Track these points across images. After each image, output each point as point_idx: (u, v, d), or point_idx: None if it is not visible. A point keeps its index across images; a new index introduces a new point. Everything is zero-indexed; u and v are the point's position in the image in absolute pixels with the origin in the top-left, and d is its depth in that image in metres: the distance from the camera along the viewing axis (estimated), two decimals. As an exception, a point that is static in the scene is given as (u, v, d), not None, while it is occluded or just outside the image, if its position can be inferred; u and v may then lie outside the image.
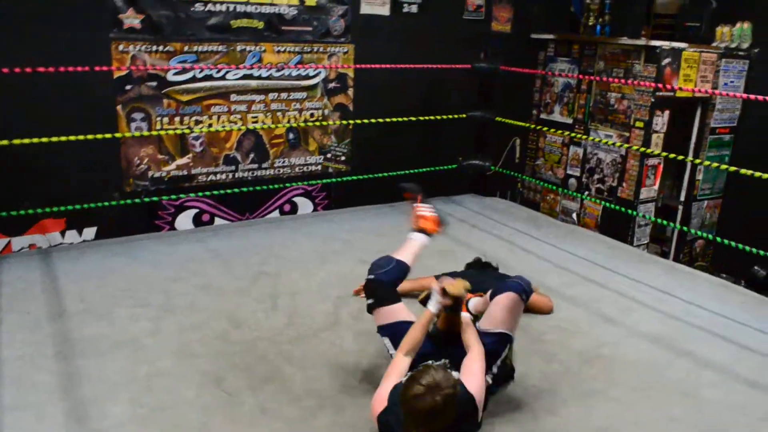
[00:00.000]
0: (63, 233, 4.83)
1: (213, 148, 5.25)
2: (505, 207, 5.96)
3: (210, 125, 5.15)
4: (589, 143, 5.96)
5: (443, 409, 2.27)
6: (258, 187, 5.41)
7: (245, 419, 2.74)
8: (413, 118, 5.71)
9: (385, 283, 2.90)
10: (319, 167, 5.77)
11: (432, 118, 5.80)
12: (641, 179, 5.59)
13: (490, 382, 2.74)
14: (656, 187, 5.71)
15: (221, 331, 3.43)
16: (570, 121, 6.16)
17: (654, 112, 5.40)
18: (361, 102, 5.75)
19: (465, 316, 2.88)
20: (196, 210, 5.32)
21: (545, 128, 6.11)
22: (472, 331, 2.80)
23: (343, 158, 5.85)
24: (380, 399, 2.49)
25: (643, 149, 5.23)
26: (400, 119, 5.63)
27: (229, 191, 5.28)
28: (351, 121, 5.67)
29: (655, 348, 3.44)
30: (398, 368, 2.58)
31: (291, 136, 5.57)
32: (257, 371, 3.09)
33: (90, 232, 4.94)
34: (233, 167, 5.37)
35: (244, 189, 5.36)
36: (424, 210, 3.29)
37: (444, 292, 2.75)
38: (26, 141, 4.25)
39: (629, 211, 5.21)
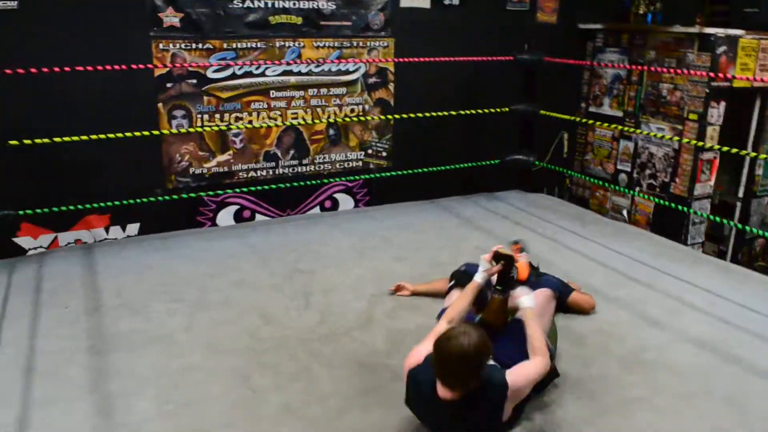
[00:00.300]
0: (107, 229, 4.95)
1: (253, 144, 5.27)
2: (550, 204, 5.77)
3: (250, 122, 5.17)
4: (640, 137, 5.71)
5: (472, 358, 2.26)
6: (298, 183, 5.41)
7: (270, 417, 2.72)
8: (455, 113, 5.59)
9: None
10: (360, 163, 5.72)
11: (474, 112, 5.66)
12: (695, 174, 5.31)
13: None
14: (712, 182, 5.42)
15: (252, 327, 3.42)
16: (620, 114, 5.92)
17: (709, 104, 5.12)
18: (402, 97, 5.67)
19: (526, 306, 2.76)
20: (237, 206, 5.35)
21: (591, 122, 5.88)
22: (535, 326, 2.70)
23: (384, 154, 5.78)
24: (416, 355, 2.53)
25: (696, 143, 4.96)
26: (441, 113, 5.52)
27: (269, 187, 5.30)
28: (392, 116, 5.60)
29: (702, 353, 3.24)
30: (438, 332, 2.52)
31: (331, 132, 5.54)
32: (285, 369, 3.06)
33: (133, 228, 5.03)
34: (273, 163, 5.38)
35: (285, 185, 5.38)
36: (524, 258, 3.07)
37: (495, 255, 2.76)
38: (70, 139, 4.35)
39: (682, 208, 4.96)
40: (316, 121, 5.40)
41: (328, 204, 5.70)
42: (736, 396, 2.88)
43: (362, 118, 5.54)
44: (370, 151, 5.73)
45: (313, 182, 5.48)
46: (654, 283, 4.04)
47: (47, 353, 3.13)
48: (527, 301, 2.83)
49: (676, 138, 5.25)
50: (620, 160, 5.97)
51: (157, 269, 4.12)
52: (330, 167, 5.61)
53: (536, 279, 3.35)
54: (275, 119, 5.26)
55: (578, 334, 3.42)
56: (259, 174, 5.35)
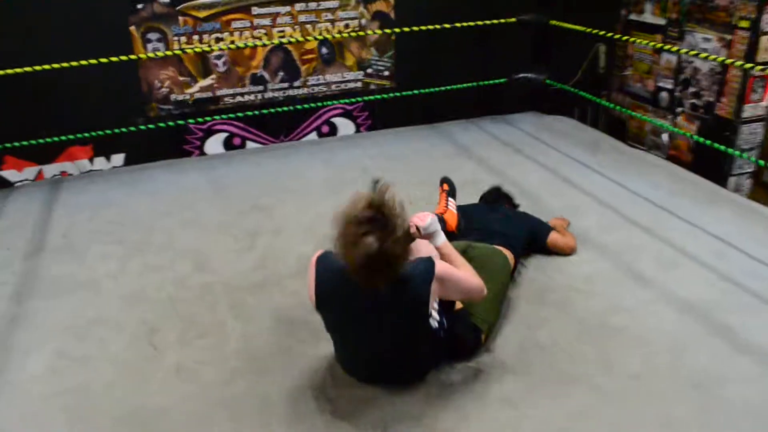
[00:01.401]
0: (92, 160, 4.81)
1: (238, 67, 4.89)
2: (565, 128, 5.09)
3: (232, 42, 4.77)
4: (684, 46, 4.84)
5: (381, 260, 1.99)
6: (287, 108, 5.02)
7: (157, 379, 2.50)
8: (464, 24, 4.93)
9: None
10: (359, 84, 5.24)
11: (484, 23, 4.98)
12: (745, 93, 4.45)
13: (436, 324, 2.31)
14: (765, 103, 4.54)
15: (182, 274, 3.20)
16: (663, 21, 5.03)
17: (763, 9, 4.20)
18: (404, 9, 5.06)
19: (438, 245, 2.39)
20: (226, 134, 5.07)
21: (624, 38, 5.03)
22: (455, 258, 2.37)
23: (385, 73, 5.26)
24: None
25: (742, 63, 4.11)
26: (447, 26, 4.88)
27: (258, 113, 4.96)
28: (393, 31, 5.02)
29: (684, 320, 2.71)
30: None
31: (324, 50, 5.06)
32: (197, 323, 2.83)
33: (119, 159, 4.88)
34: (261, 87, 5.00)
35: (275, 110, 5.01)
36: (452, 206, 2.95)
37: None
38: (41, 67, 4.13)
39: (727, 133, 4.20)
40: (307, 38, 4.93)
41: (325, 129, 5.30)
42: (707, 379, 2.37)
43: (359, 34, 5.00)
44: (369, 71, 5.22)
45: (307, 106, 5.08)
46: (656, 227, 3.44)
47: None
48: (438, 237, 2.39)
49: (718, 59, 4.38)
50: (661, 76, 5.13)
51: (113, 207, 3.95)
52: (325, 89, 5.17)
53: (504, 229, 3.03)
54: (260, 38, 4.84)
55: (541, 287, 2.96)
56: (246, 99, 5.00)
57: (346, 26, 5.00)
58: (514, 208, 3.42)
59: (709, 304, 2.79)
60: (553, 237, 3.20)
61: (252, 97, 5.00)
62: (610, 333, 2.64)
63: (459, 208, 3.08)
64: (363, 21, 5.03)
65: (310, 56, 5.04)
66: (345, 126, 5.34)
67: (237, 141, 5.11)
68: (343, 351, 2.42)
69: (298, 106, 5.04)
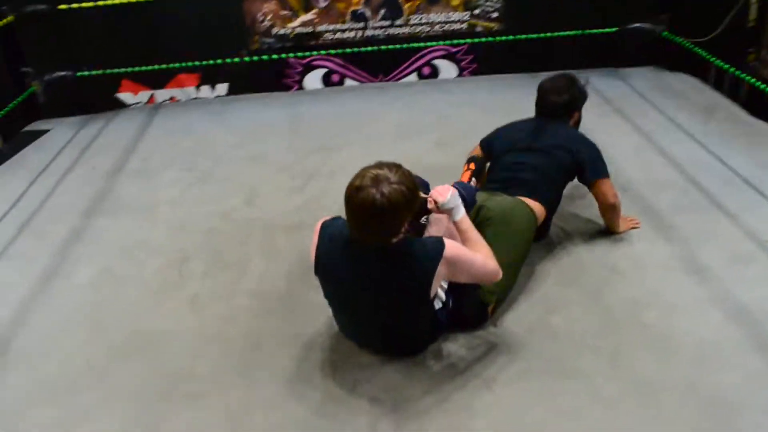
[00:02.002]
0: (198, 88, 5.09)
1: (339, 2, 4.84)
2: (684, 88, 4.44)
3: (334, -24, 4.71)
4: None
5: (385, 213, 1.90)
6: (387, 47, 4.91)
7: (170, 306, 2.66)
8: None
9: None
10: (465, 25, 4.96)
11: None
12: None
13: (440, 305, 2.24)
14: None
15: (231, 207, 3.33)
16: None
17: None
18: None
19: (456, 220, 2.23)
20: (325, 70, 5.09)
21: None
22: (474, 235, 2.22)
23: (494, 15, 4.92)
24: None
25: None
26: None
27: (358, 50, 4.91)
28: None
29: (729, 328, 2.31)
30: None
31: (429, -12, 4.83)
32: (225, 257, 2.94)
33: (223, 88, 5.12)
34: (362, 24, 4.92)
35: (375, 48, 4.93)
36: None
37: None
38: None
39: None
40: (411, -25, 4.73)
41: (426, 71, 5.13)
42: (728, 405, 2.01)
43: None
44: (477, 12, 4.92)
45: (407, 45, 4.93)
46: (744, 214, 2.95)
47: (48, 210, 3.42)
48: (457, 213, 2.23)
49: None
50: (824, 30, 4.27)
51: (195, 135, 4.19)
52: (428, 29, 4.96)
53: (536, 174, 2.71)
54: (362, -27, 4.72)
55: (577, 264, 2.70)
56: (346, 36, 4.96)
57: (454, -38, 4.71)
58: (577, 117, 2.97)
59: (769, 315, 2.36)
60: (605, 186, 2.75)
61: (352, 34, 4.95)
62: (635, 330, 2.34)
63: (497, 129, 2.96)
64: (472, -44, 4.71)
65: (413, -7, 4.84)
66: (447, 69, 5.12)
67: (336, 78, 5.12)
68: (339, 318, 2.38)
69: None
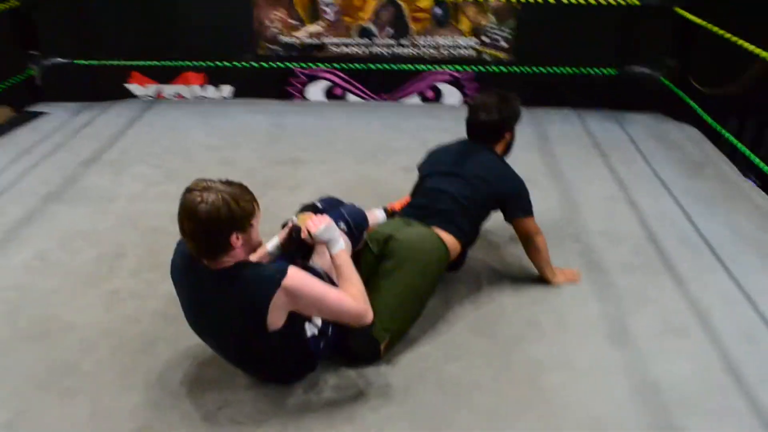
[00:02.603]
0: (203, 87, 5.18)
1: (347, 17, 4.84)
2: (681, 140, 4.22)
3: (343, -10, 4.72)
4: None
5: (204, 223, 1.83)
6: (391, 66, 4.87)
7: (86, 297, 2.68)
8: (595, 2, 4.30)
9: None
10: (472, 52, 4.88)
11: (617, 2, 4.28)
12: None
13: (315, 332, 2.16)
14: None
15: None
16: None
17: None
18: (533, -25, 4.55)
19: (334, 253, 2.17)
20: (329, 83, 5.09)
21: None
22: (350, 271, 2.15)
23: (503, 44, 4.82)
24: None
25: None
26: (584, 1, 4.31)
27: (362, 66, 4.90)
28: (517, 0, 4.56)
29: (626, 410, 2.15)
30: None
31: (438, 11, 4.78)
32: (161, 257, 2.89)
33: (227, 90, 5.19)
34: (368, 40, 4.90)
35: (379, 66, 4.90)
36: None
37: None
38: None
39: None
40: (420, -4, 4.68)
41: (430, 94, 5.06)
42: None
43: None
44: (485, 39, 4.82)
45: (412, 67, 4.88)
46: (694, 281, 2.76)
47: (15, 190, 3.52)
48: (333, 245, 2.17)
49: None
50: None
51: (176, 133, 4.26)
52: (434, 52, 4.90)
53: (453, 204, 2.59)
54: (372, -10, 4.71)
55: (499, 310, 2.59)
56: (351, 50, 4.95)
57: (465, -13, 4.64)
58: (509, 138, 2.74)
59: (679, 392, 2.19)
60: (527, 224, 2.61)
61: (357, 49, 4.93)
62: (529, 393, 2.20)
63: (429, 152, 2.84)
64: (484, -17, 4.63)
65: (422, 15, 4.79)
66: (451, 93, 5.04)
67: (338, 91, 5.11)
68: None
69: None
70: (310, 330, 2.18)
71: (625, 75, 4.48)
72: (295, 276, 1.95)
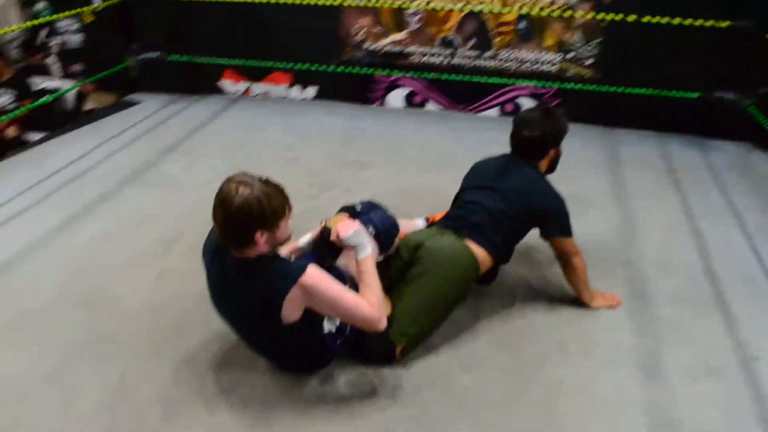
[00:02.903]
0: (290, 87, 5.39)
1: (430, 27, 4.88)
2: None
3: (428, 2, 4.76)
4: None
5: (235, 212, 1.92)
6: (472, 77, 4.85)
7: (136, 272, 2.88)
8: (700, 23, 4.09)
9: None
10: (556, 68, 4.77)
11: (727, 24, 4.04)
12: None
13: (332, 330, 2.24)
14: None
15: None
16: None
17: None
18: (624, -9, 4.39)
19: (359, 258, 2.20)
20: (409, 90, 5.15)
21: None
22: (372, 278, 2.17)
23: (588, 62, 4.68)
24: None
25: None
26: (677, 22, 4.12)
27: (443, 76, 4.92)
28: (605, 16, 4.41)
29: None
30: None
31: (522, 25, 4.71)
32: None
33: (312, 91, 5.37)
34: (450, 51, 4.92)
35: (460, 77, 4.91)
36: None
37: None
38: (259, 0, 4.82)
39: None
40: (505, 10, 4.64)
41: (509, 108, 5.00)
42: None
43: (566, 14, 4.51)
44: (570, 56, 4.70)
45: (493, 80, 4.84)
46: (747, 321, 2.55)
47: (96, 172, 3.84)
48: (360, 251, 2.21)
49: None
50: None
51: (254, 129, 4.48)
52: (517, 66, 4.83)
53: (488, 218, 2.54)
54: (457, 2, 4.72)
55: (527, 327, 2.52)
56: (433, 60, 4.98)
57: (552, 2, 4.55)
58: (553, 155, 2.66)
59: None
60: (565, 244, 2.53)
61: (440, 59, 4.96)
62: (538, 415, 2.13)
63: (474, 165, 2.81)
64: (571, 0, 4.51)
65: (506, 28, 4.75)
66: (530, 109, 4.94)
67: (418, 99, 5.16)
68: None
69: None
70: (328, 326, 2.23)
71: (711, 100, 4.21)
72: (313, 274, 2.01)
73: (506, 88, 4.92)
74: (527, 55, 4.78)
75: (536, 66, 4.78)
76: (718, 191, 3.57)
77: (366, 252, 2.19)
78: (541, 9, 4.55)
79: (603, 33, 4.56)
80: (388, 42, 5.00)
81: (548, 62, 4.75)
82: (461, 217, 2.60)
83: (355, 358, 2.34)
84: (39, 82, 4.67)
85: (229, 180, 2.00)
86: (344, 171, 3.88)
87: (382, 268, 2.46)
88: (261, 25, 5.11)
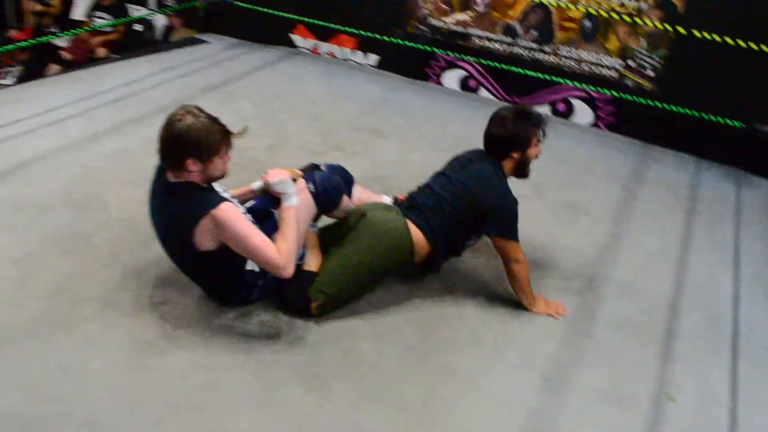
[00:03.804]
0: (354, 52, 5.52)
1: (495, 11, 4.82)
2: None
3: (498, -15, 4.70)
4: None
5: (172, 136, 2.13)
6: (526, 71, 4.76)
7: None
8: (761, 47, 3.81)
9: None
10: (614, 73, 4.58)
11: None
12: None
13: (256, 270, 2.37)
14: None
15: (255, 145, 3.66)
16: None
17: None
18: (700, 5, 4.11)
19: (285, 206, 2.35)
20: (465, 73, 5.13)
21: None
22: (291, 226, 2.31)
23: (650, 73, 4.45)
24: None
25: None
26: (743, 44, 3.86)
27: (499, 65, 4.86)
28: (674, 29, 4.17)
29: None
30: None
31: (587, 23, 4.55)
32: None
33: (373, 59, 5.47)
34: (510, 39, 4.84)
35: (516, 69, 4.82)
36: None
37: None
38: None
39: None
40: (572, 6, 4.49)
41: (561, 107, 4.86)
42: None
43: (633, 19, 4.30)
44: (631, 63, 4.49)
45: (548, 77, 4.72)
46: (690, 369, 2.43)
47: (139, 98, 4.20)
48: (285, 200, 2.34)
49: None
50: None
51: (294, 84, 4.74)
52: (574, 65, 4.68)
53: (435, 200, 2.61)
54: (525, -10, 4.63)
55: (455, 315, 2.54)
56: (493, 46, 4.92)
57: (621, 5, 4.35)
58: (518, 160, 2.60)
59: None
60: (508, 246, 2.49)
61: (498, 45, 4.89)
62: (425, 396, 2.19)
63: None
64: (643, 5, 4.29)
65: (570, 24, 4.60)
66: (583, 112, 4.79)
67: (473, 83, 5.13)
68: None
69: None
70: (252, 265, 2.37)
71: (752, 131, 3.89)
72: (226, 210, 2.16)
73: (560, 86, 4.78)
74: (587, 56, 4.61)
75: (594, 68, 4.61)
76: (731, 230, 3.33)
77: (290, 202, 2.31)
78: (610, 10, 4.36)
79: (669, 45, 4.31)
80: (452, 20, 4.99)
81: (607, 66, 4.56)
82: (412, 197, 2.66)
83: (278, 305, 2.48)
84: (134, 11, 5.12)
85: (181, 107, 2.20)
86: (358, 135, 3.97)
87: (332, 229, 2.58)
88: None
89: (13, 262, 2.59)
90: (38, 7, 4.51)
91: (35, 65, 4.74)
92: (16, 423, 1.92)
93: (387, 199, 2.90)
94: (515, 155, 2.60)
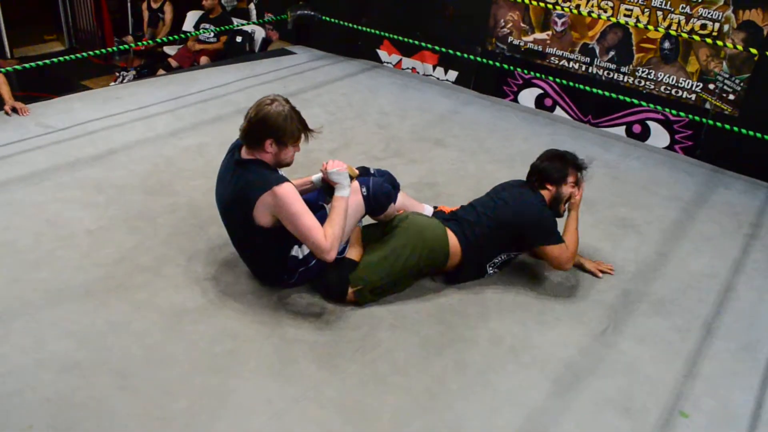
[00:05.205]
0: (434, 68, 5.68)
1: (574, 31, 4.82)
2: None
3: (577, 6, 4.70)
4: None
5: (257, 118, 2.38)
6: (603, 92, 4.71)
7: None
8: None
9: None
10: (693, 97, 4.44)
11: None
12: None
13: (300, 256, 2.58)
14: None
15: (321, 147, 3.88)
16: None
17: None
18: (785, 26, 3.95)
19: (336, 195, 2.50)
20: (541, 91, 5.15)
21: None
22: (339, 214, 2.47)
23: (731, 97, 4.29)
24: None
25: None
26: None
27: (575, 85, 4.85)
28: (758, 51, 4.02)
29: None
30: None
31: (666, 45, 4.46)
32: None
33: (452, 75, 5.60)
34: (588, 59, 4.82)
35: (592, 89, 4.79)
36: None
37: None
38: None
39: None
40: (651, 27, 4.42)
41: (636, 129, 4.76)
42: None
43: (715, 42, 4.17)
44: (712, 87, 4.34)
45: (625, 98, 4.64)
46: (712, 385, 2.35)
47: (224, 100, 4.51)
48: (338, 190, 2.49)
49: None
50: None
51: (369, 94, 4.97)
52: (652, 87, 4.59)
53: (475, 216, 2.77)
54: (604, 11, 4.60)
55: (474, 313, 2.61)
56: (570, 65, 4.91)
57: (703, 27, 4.24)
58: (555, 194, 2.77)
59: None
60: (554, 251, 2.66)
61: (576, 65, 4.88)
62: (432, 386, 2.27)
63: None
64: (726, 27, 4.16)
65: (649, 46, 4.52)
66: (659, 135, 4.66)
67: (548, 102, 5.13)
68: None
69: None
70: (296, 252, 2.56)
71: None
72: (286, 188, 2.37)
73: (638, 108, 4.69)
74: (665, 77, 4.50)
75: (673, 91, 4.49)
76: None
77: (342, 193, 2.48)
78: (691, 31, 4.25)
79: (752, 68, 4.13)
80: (531, 39, 5.03)
81: (686, 89, 4.43)
82: (454, 213, 2.85)
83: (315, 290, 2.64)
84: (237, 24, 5.57)
85: (272, 95, 2.46)
86: (419, 144, 4.10)
87: (375, 227, 2.77)
88: (420, 6, 5.44)
89: (87, 232, 2.93)
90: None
91: (146, 71, 5.26)
92: (63, 364, 2.19)
93: (428, 209, 3.02)
94: (550, 187, 2.77)
